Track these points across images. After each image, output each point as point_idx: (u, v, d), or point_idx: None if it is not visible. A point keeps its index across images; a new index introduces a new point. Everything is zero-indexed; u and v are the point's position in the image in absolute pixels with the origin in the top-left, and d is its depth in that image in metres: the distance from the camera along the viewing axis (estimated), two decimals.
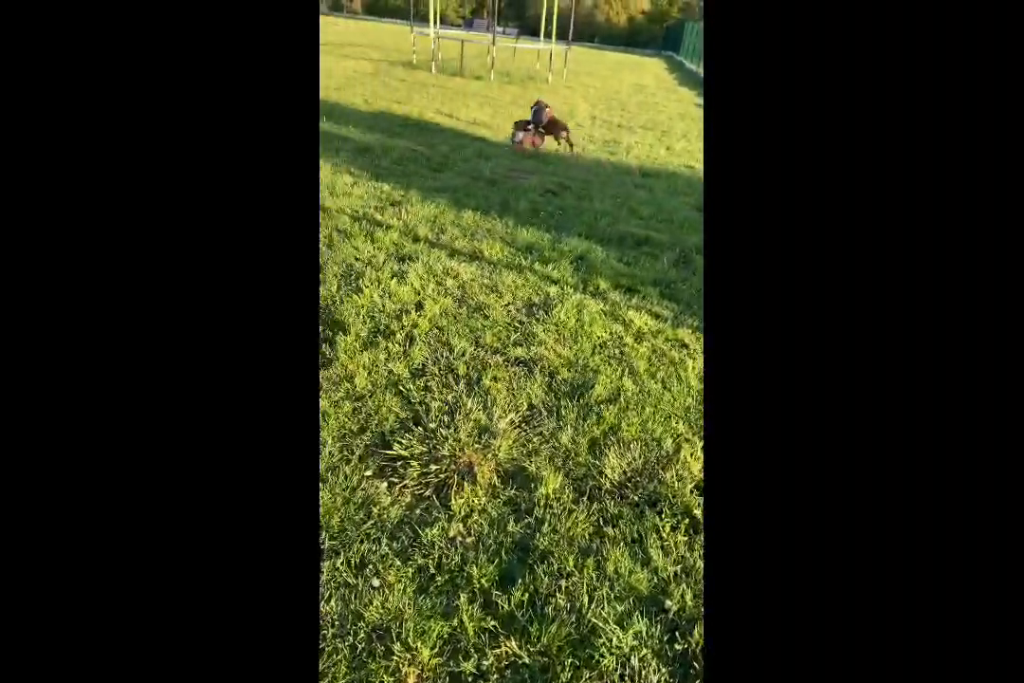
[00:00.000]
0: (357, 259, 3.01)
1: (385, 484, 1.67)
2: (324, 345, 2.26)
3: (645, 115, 9.67)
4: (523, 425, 1.96)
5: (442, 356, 2.27)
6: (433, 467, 1.72)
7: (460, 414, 1.95)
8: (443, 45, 14.05)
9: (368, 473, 1.70)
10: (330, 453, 1.74)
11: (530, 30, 30.54)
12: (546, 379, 2.20)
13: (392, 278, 2.83)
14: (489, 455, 1.79)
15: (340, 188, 4.10)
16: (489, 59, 12.10)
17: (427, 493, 1.66)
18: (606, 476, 1.75)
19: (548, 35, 14.61)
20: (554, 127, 6.40)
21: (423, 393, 2.06)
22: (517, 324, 2.57)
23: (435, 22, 12.75)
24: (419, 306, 2.63)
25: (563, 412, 2.02)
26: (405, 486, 1.67)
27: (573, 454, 1.83)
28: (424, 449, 1.78)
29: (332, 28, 24.73)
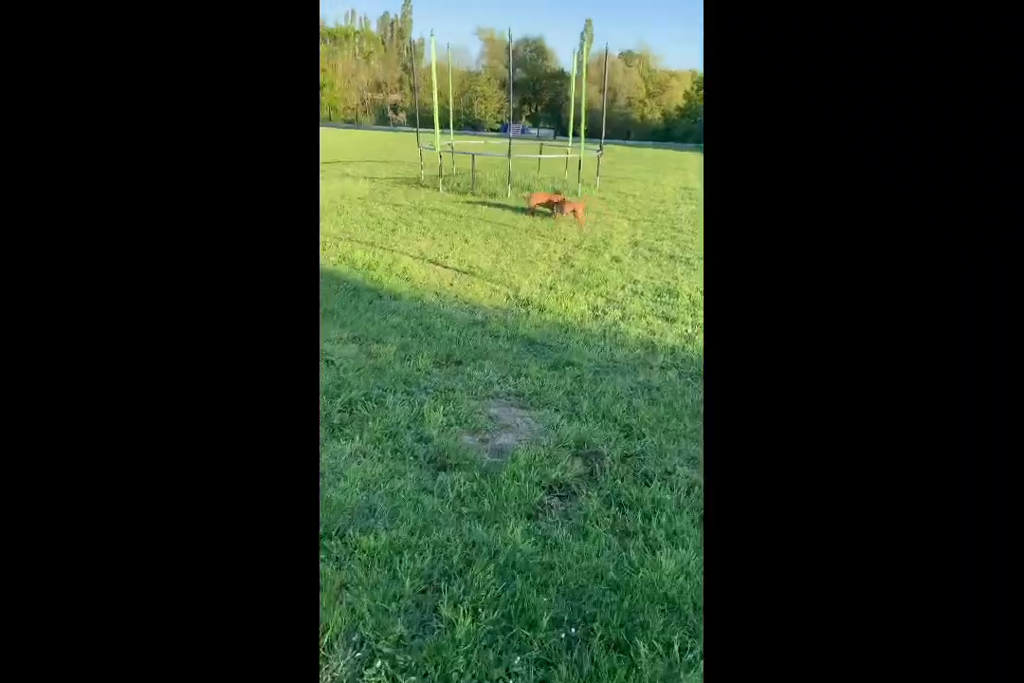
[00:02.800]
0: None
1: None
2: None
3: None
4: None
5: None
6: None
7: None
8: (460, 155, 12.42)
9: None
10: None
11: (566, 131, 29.87)
12: None
13: None
14: None
15: None
16: (507, 172, 10.22)
17: None
18: None
19: (577, 136, 12.81)
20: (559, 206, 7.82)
21: None
22: None
23: (440, 132, 11.11)
24: None
25: None
26: None
27: None
28: None
29: (344, 141, 24.11)
